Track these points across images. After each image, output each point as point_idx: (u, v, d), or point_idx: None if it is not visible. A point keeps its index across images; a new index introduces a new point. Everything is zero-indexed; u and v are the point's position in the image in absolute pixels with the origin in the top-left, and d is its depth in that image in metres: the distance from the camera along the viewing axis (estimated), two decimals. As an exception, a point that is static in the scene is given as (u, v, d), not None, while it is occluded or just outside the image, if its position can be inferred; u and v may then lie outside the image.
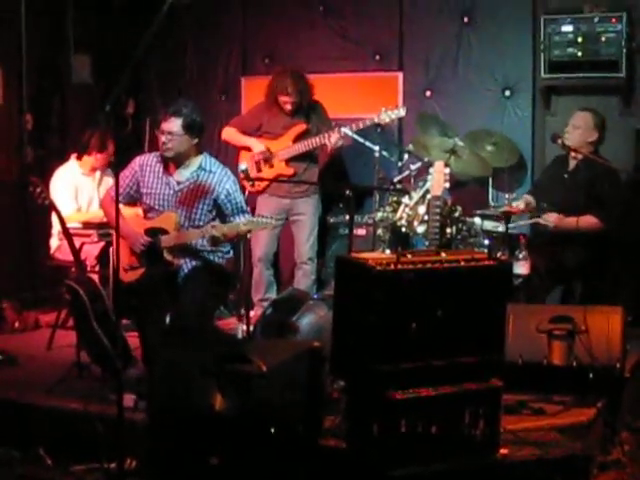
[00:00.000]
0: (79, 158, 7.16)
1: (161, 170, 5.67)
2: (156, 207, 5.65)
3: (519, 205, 6.31)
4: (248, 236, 6.10)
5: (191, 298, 5.43)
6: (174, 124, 5.50)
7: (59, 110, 8.29)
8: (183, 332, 5.27)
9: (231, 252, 5.87)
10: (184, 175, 5.66)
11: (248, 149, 7.28)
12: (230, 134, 7.41)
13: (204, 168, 5.64)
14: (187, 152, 5.61)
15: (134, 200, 5.81)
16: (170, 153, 5.58)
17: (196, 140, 5.61)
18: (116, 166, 5.18)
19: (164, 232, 5.52)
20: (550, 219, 6.21)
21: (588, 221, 6.13)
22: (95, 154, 7.11)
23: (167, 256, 5.51)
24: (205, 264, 5.64)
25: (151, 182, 5.67)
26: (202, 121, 5.66)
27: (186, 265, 5.60)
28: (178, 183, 5.64)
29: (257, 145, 7.22)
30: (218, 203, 5.63)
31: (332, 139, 6.97)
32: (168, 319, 5.56)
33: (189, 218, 5.60)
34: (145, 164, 5.70)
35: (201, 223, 5.58)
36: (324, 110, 7.35)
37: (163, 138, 5.54)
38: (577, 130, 6.30)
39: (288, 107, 7.16)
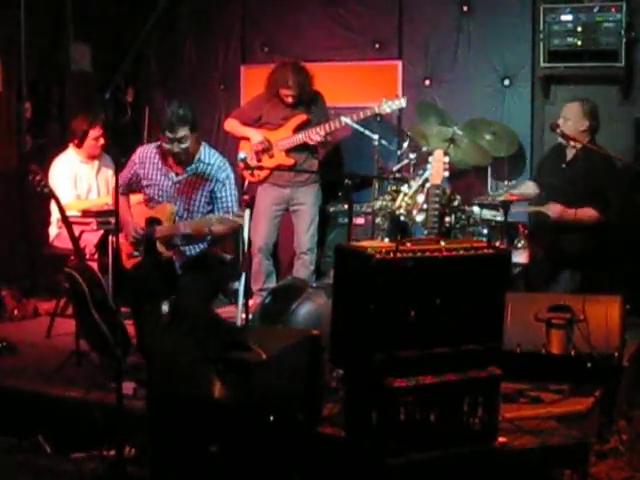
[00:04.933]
0: (78, 146, 7.15)
1: (160, 161, 5.67)
2: (156, 197, 5.67)
3: (522, 190, 6.31)
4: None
5: (190, 286, 5.45)
6: (184, 131, 5.45)
7: (58, 98, 8.28)
8: (183, 320, 5.28)
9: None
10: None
11: (248, 139, 7.29)
12: (232, 125, 7.42)
13: (203, 160, 5.63)
14: (192, 148, 5.60)
15: (137, 190, 5.82)
16: (185, 157, 5.55)
17: (196, 134, 5.60)
18: (116, 155, 5.16)
19: (160, 222, 5.55)
20: (553, 211, 6.20)
21: (588, 213, 6.14)
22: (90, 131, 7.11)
23: (160, 247, 5.54)
24: (203, 253, 5.66)
25: (151, 174, 5.67)
26: (195, 113, 5.64)
27: (184, 253, 5.62)
28: (177, 174, 5.64)
29: (256, 136, 7.22)
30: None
31: (317, 137, 7.02)
32: (167, 307, 5.58)
33: (187, 209, 5.61)
34: (145, 156, 5.71)
35: (199, 214, 5.60)
36: (324, 102, 7.36)
37: (176, 148, 5.49)
38: (568, 122, 6.33)
39: (289, 100, 7.17)
